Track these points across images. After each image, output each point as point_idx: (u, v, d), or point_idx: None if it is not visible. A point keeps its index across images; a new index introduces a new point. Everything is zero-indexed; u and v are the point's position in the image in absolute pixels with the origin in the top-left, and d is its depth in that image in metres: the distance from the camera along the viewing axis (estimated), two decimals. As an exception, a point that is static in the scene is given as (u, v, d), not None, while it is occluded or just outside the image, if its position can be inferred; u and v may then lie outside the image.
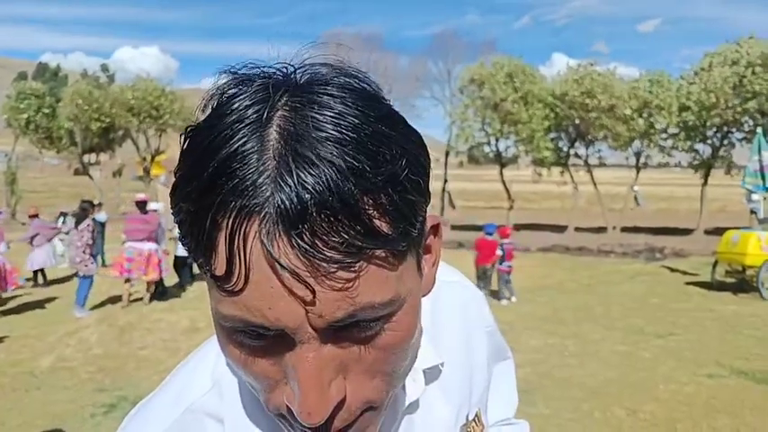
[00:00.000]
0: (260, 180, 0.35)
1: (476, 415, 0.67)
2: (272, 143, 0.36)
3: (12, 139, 25.57)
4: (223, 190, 0.36)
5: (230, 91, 0.40)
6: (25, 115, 23.19)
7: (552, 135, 19.09)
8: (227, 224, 0.36)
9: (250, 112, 0.37)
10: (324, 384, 0.39)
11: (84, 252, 7.73)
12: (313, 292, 0.36)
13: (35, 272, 9.71)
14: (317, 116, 0.37)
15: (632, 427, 4.08)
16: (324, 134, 0.36)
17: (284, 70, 0.41)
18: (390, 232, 0.38)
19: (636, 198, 20.65)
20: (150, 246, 8.17)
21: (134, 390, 4.90)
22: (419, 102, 24.99)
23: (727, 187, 19.40)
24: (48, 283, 9.83)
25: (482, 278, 8.62)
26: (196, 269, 10.09)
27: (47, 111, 23.37)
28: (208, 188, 0.36)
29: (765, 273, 8.50)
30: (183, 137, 0.41)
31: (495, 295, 8.37)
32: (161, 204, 9.92)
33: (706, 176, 18.68)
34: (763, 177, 9.86)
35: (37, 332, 6.80)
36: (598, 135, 18.21)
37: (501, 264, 8.45)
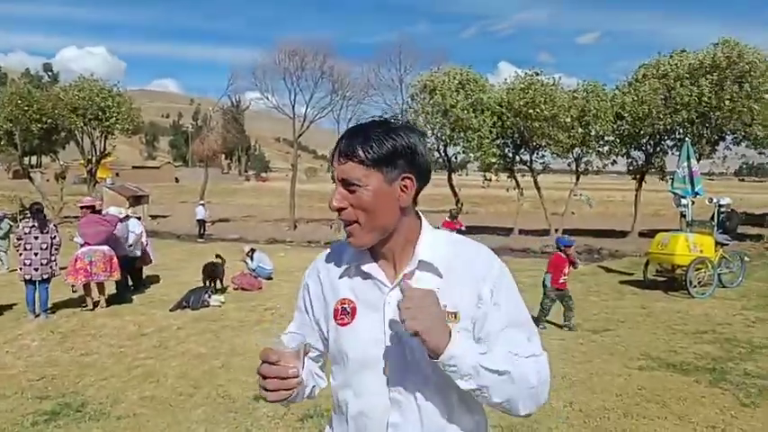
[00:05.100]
0: (341, 142, 1.20)
1: (455, 313, 1.16)
2: (344, 137, 1.21)
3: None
4: (338, 143, 1.20)
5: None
6: (-43, 114, 21.95)
7: (499, 142, 19.62)
8: (336, 148, 1.20)
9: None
10: (338, 199, 1.18)
11: (52, 253, 7.53)
12: (337, 165, 1.19)
13: None
14: (365, 126, 1.21)
15: (569, 417, 4.29)
16: (359, 131, 1.20)
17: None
18: (364, 156, 1.15)
19: (588, 201, 21.48)
20: (106, 247, 8.01)
21: (78, 397, 4.79)
22: (372, 108, 25.10)
23: (661, 192, 20.44)
24: None
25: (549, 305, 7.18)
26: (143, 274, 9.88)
27: (-19, 111, 22.20)
28: (337, 144, 1.21)
29: (693, 272, 9.00)
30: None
31: None
32: (120, 209, 9.65)
33: (640, 182, 19.65)
34: (691, 183, 10.51)
35: (-29, 341, 6.51)
36: (541, 142, 18.86)
37: None
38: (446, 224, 13.33)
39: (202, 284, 8.99)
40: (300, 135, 24.66)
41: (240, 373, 5.37)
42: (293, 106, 24.62)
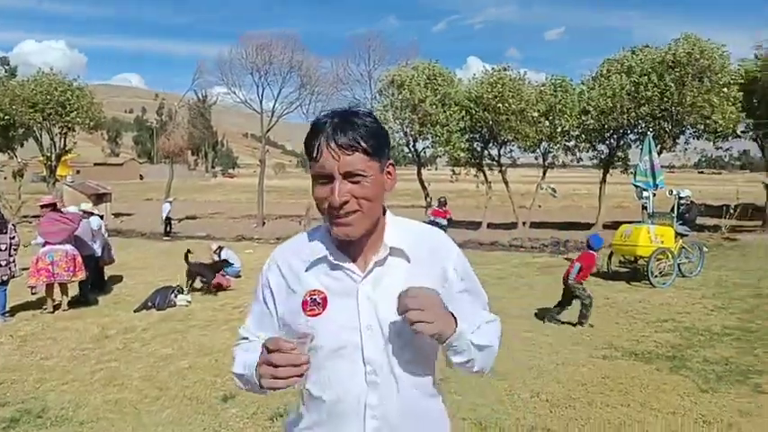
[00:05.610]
0: (326, 127, 1.18)
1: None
2: (329, 120, 1.20)
3: None
4: (317, 132, 1.19)
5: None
6: None
7: (467, 136, 19.74)
8: (317, 140, 1.18)
9: (324, 118, 1.22)
10: (343, 192, 1.16)
11: (11, 254, 7.29)
12: (338, 159, 1.16)
13: None
14: (350, 116, 1.20)
15: (536, 407, 4.38)
16: (348, 121, 1.18)
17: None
18: (366, 146, 1.17)
19: (552, 192, 21.84)
20: (69, 246, 7.77)
21: (38, 402, 4.65)
22: (341, 103, 24.92)
23: (624, 185, 20.93)
24: None
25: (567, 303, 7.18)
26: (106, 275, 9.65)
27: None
28: (312, 135, 1.20)
29: (654, 262, 9.29)
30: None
31: None
32: (81, 206, 9.39)
33: (604, 175, 20.07)
34: (653, 176, 10.79)
35: (-76, 347, 6.25)
36: (508, 137, 19.05)
37: None
38: (436, 213, 13.65)
39: (190, 275, 9.00)
40: (268, 130, 24.34)
41: (208, 374, 5.30)
42: (261, 101, 24.28)
